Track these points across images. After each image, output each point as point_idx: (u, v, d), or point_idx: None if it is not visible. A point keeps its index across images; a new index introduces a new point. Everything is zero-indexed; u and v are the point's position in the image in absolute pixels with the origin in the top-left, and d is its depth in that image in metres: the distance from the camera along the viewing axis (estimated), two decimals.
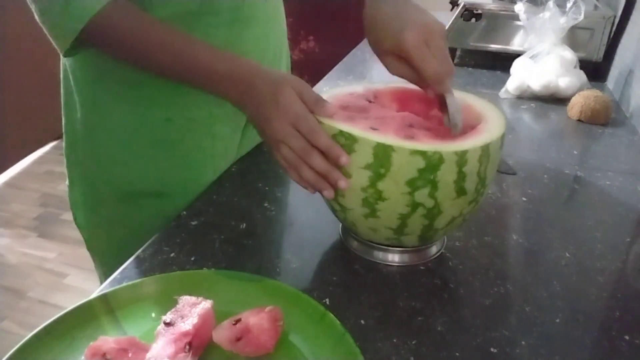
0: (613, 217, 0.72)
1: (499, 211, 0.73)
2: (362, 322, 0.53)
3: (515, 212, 0.74)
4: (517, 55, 1.22)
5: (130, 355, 0.45)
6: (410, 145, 0.51)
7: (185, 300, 0.49)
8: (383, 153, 0.51)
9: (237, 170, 0.81)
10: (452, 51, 1.40)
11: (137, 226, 0.75)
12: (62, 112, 0.74)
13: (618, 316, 0.55)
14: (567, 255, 0.64)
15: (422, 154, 0.50)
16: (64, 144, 0.76)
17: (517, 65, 1.19)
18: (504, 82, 1.19)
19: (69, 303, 0.49)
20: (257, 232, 0.67)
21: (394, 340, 0.50)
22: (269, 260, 0.61)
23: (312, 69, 1.75)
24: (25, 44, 2.58)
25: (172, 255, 0.61)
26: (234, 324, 0.48)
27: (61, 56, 0.72)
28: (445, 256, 0.63)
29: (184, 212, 0.70)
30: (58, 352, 0.46)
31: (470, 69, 1.37)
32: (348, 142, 0.53)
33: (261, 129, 0.59)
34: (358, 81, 1.24)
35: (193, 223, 0.68)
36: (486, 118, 0.58)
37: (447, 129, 0.58)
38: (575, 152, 0.92)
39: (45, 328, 0.47)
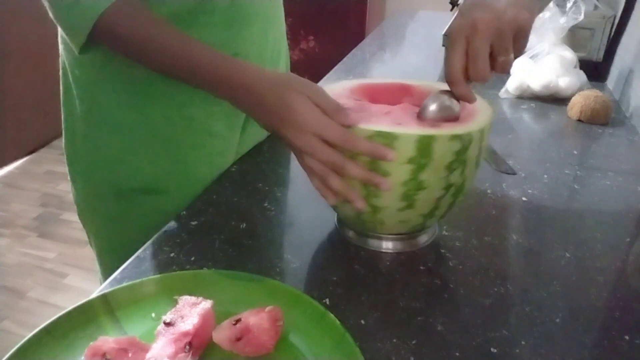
0: (613, 217, 0.72)
1: (499, 211, 0.73)
2: (362, 322, 0.53)
3: (515, 212, 0.74)
4: None
5: (130, 355, 0.45)
6: (447, 132, 0.53)
7: (185, 300, 0.49)
8: (425, 144, 0.53)
9: (237, 170, 0.81)
10: None
11: (136, 223, 0.75)
12: (62, 109, 0.75)
13: (618, 316, 0.55)
14: (567, 255, 0.64)
15: (459, 137, 0.54)
16: (63, 140, 0.77)
17: (517, 65, 1.18)
18: (503, 82, 1.19)
19: (69, 303, 0.49)
20: (257, 232, 0.67)
21: (394, 340, 0.50)
22: (269, 260, 0.61)
23: (312, 69, 1.75)
24: (25, 44, 2.59)
25: (172, 255, 0.61)
26: (234, 324, 0.48)
27: (60, 53, 0.73)
28: (445, 256, 0.63)
29: (184, 212, 0.70)
30: (58, 352, 0.46)
31: None
32: (387, 141, 0.53)
33: (279, 137, 0.57)
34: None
35: (193, 223, 0.68)
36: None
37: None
38: (575, 152, 0.92)
39: (45, 328, 0.47)
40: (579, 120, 1.05)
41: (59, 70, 0.74)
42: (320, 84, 0.70)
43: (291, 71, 0.87)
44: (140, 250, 0.62)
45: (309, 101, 0.54)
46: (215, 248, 0.63)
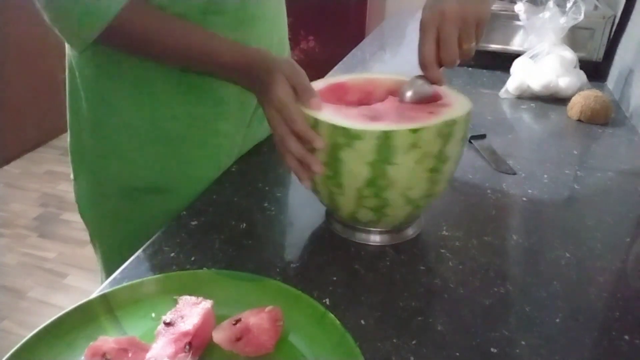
0: (613, 217, 0.72)
1: (499, 211, 0.73)
2: (362, 322, 0.53)
3: (515, 212, 0.74)
4: (517, 55, 1.22)
5: (130, 355, 0.45)
6: (437, 121, 0.55)
7: (185, 300, 0.49)
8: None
9: (237, 170, 0.81)
10: None
11: (141, 221, 0.75)
12: (67, 106, 0.75)
13: (618, 316, 0.55)
14: (567, 255, 0.64)
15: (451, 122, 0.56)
16: (68, 137, 0.77)
17: (517, 65, 1.19)
18: (504, 82, 1.19)
19: (69, 303, 0.49)
20: (257, 232, 0.67)
21: (394, 340, 0.50)
22: (269, 260, 0.61)
23: (312, 69, 1.74)
24: (25, 44, 2.59)
25: (172, 255, 0.61)
26: (234, 324, 0.48)
27: (66, 51, 0.73)
28: (445, 256, 0.63)
29: (184, 212, 0.70)
30: (58, 352, 0.46)
31: (470, 69, 1.37)
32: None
33: (260, 104, 0.63)
34: None
35: (193, 223, 0.68)
36: (445, 95, 0.63)
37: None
38: (575, 152, 0.92)
39: (45, 328, 0.47)
40: (579, 120, 1.05)
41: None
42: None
43: None
44: (140, 250, 0.62)
45: (287, 81, 0.59)
46: (215, 248, 0.63)
